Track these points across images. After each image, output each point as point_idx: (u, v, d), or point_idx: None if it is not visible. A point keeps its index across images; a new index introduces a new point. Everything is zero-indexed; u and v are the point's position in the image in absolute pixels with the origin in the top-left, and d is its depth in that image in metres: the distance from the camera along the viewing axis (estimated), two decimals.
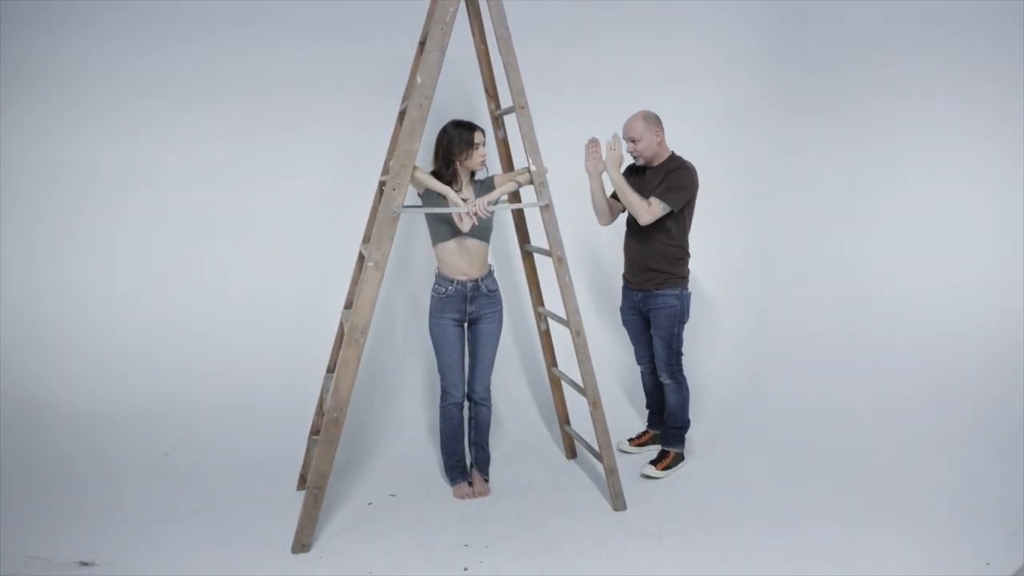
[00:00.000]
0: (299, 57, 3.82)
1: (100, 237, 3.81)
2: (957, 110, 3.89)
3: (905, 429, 3.57)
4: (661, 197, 3.10)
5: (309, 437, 3.16)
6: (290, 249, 3.93)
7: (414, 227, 3.92)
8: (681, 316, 3.27)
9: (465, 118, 3.02)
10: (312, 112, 3.87)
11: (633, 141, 3.18)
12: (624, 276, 3.44)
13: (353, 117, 3.88)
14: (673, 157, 3.23)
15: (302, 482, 3.18)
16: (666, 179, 3.15)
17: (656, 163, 3.23)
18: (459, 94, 3.81)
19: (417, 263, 4.02)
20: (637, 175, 3.30)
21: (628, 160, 3.32)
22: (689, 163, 3.20)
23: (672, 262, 3.22)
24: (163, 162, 3.80)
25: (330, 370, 3.16)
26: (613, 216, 3.38)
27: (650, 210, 3.10)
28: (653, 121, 3.18)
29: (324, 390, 3.09)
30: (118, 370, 3.82)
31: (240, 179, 3.86)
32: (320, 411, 3.13)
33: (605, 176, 3.23)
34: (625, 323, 3.52)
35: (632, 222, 3.30)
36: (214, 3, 3.73)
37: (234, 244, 3.90)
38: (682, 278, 3.26)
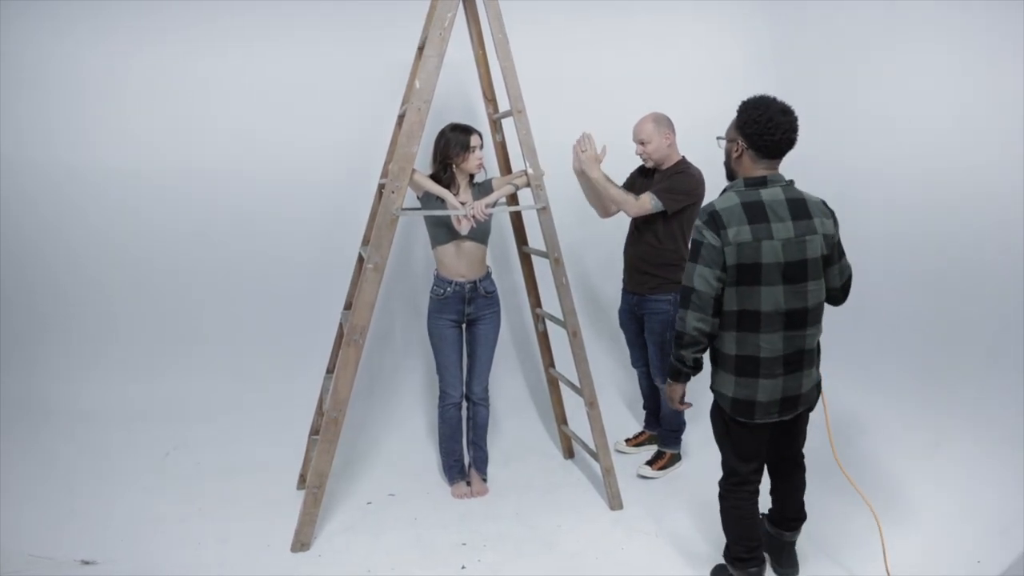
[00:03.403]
0: (300, 60, 3.85)
1: (97, 236, 3.84)
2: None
3: (898, 428, 3.60)
4: (657, 195, 3.09)
5: (309, 437, 3.19)
6: (290, 250, 3.96)
7: (413, 229, 3.95)
8: (674, 322, 3.25)
9: (463, 121, 3.06)
10: (312, 114, 3.90)
11: (643, 143, 3.17)
12: (623, 279, 3.46)
13: (353, 120, 3.91)
14: (682, 162, 3.21)
15: (302, 481, 3.21)
16: (667, 180, 3.15)
17: (666, 166, 3.20)
18: (458, 97, 3.84)
19: (416, 265, 4.05)
20: (645, 177, 3.30)
21: (624, 163, 3.34)
22: (696, 170, 3.18)
23: (663, 267, 3.20)
24: (164, 163, 3.82)
25: (330, 371, 3.19)
26: (611, 210, 3.37)
27: (638, 204, 3.09)
28: (663, 123, 3.17)
29: (324, 390, 3.12)
30: (119, 370, 3.85)
31: (241, 180, 3.89)
32: (320, 411, 3.16)
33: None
34: (622, 326, 3.54)
35: (632, 224, 3.32)
36: (215, 5, 3.76)
37: (234, 244, 3.93)
38: (676, 283, 3.20)
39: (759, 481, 2.36)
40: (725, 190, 2.18)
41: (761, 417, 2.18)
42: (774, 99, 2.12)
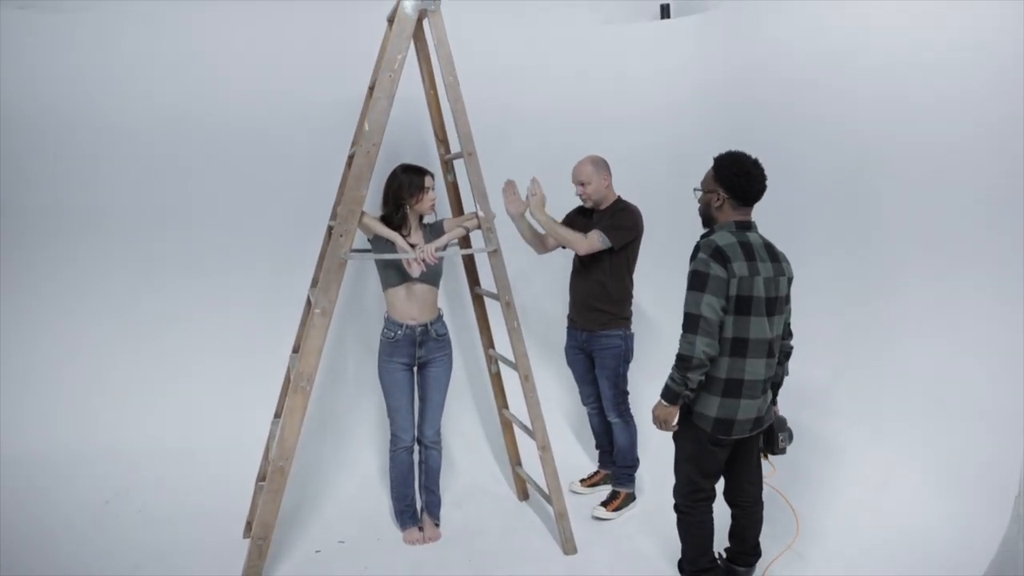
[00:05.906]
0: (249, 97, 3.80)
1: (41, 278, 3.71)
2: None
3: (849, 464, 3.63)
4: (604, 231, 3.18)
5: (256, 482, 3.10)
6: (238, 291, 3.86)
7: (366, 269, 3.90)
8: (626, 355, 3.33)
9: (415, 161, 3.05)
10: (261, 153, 3.83)
11: (582, 184, 3.27)
12: (569, 316, 3.48)
13: (302, 159, 3.85)
14: (620, 200, 3.33)
15: (248, 529, 3.11)
16: (611, 218, 3.25)
17: (604, 206, 3.31)
18: (410, 135, 3.81)
19: (370, 305, 3.98)
20: (585, 217, 3.37)
21: (571, 203, 3.39)
22: (634, 206, 3.30)
23: (613, 302, 3.28)
24: (111, 202, 3.72)
25: (277, 415, 3.11)
26: (548, 246, 3.44)
27: (588, 241, 3.17)
28: (601, 165, 3.28)
29: (271, 436, 3.05)
30: (57, 414, 3.70)
31: (189, 220, 3.80)
32: (267, 456, 3.08)
33: (529, 215, 3.30)
34: (570, 363, 3.55)
35: (576, 261, 3.36)
36: (163, 39, 3.70)
37: (181, 285, 3.82)
38: (625, 319, 3.33)
39: (715, 493, 2.57)
40: (713, 231, 2.42)
41: (737, 434, 2.40)
42: (746, 154, 2.40)
